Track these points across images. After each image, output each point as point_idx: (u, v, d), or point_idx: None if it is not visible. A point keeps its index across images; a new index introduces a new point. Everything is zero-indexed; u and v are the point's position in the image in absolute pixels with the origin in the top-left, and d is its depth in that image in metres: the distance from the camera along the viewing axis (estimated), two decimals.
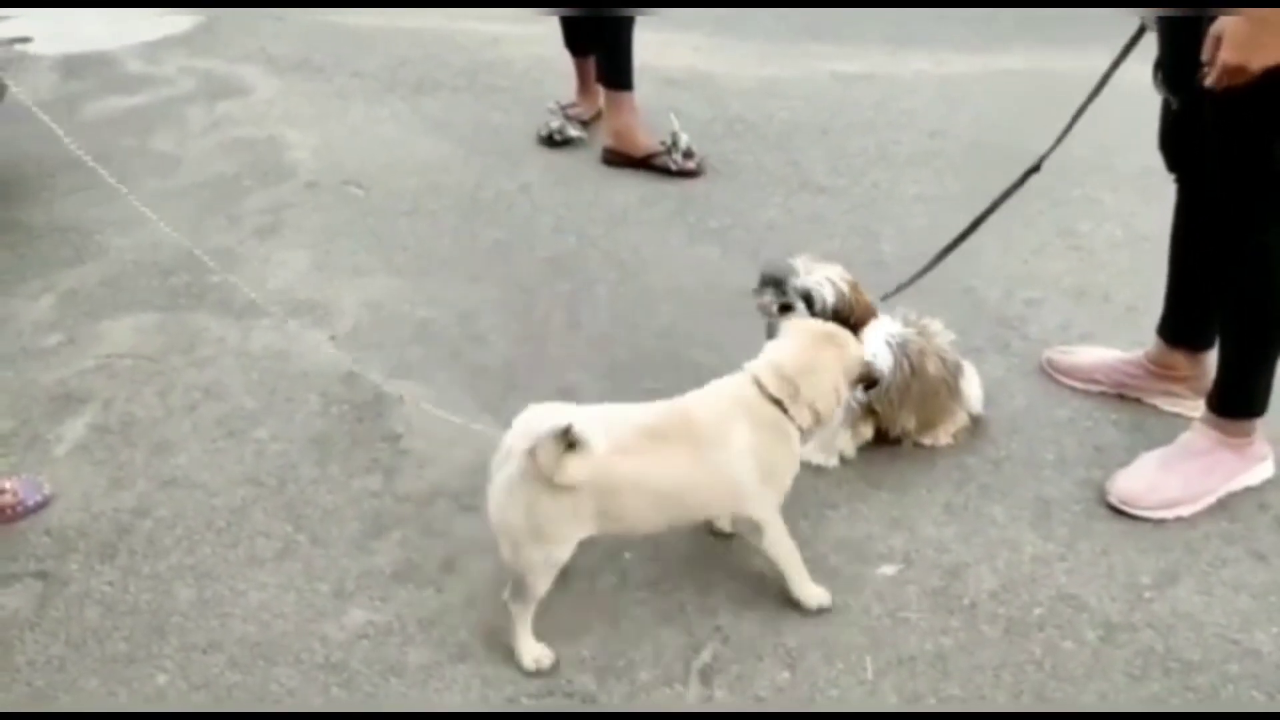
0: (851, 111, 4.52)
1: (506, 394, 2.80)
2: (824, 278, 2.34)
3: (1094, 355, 2.73)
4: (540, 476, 1.80)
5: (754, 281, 2.71)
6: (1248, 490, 2.35)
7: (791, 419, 1.98)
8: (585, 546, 1.99)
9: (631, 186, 3.94)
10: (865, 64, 4.99)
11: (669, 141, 4.03)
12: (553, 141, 4.31)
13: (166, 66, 5.22)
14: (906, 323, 2.48)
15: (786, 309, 2.35)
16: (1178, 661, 1.96)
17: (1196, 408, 2.49)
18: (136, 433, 2.68)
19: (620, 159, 4.11)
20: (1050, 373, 2.75)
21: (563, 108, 4.38)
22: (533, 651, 2.00)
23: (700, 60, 5.05)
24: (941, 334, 2.52)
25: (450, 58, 5.21)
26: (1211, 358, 2.49)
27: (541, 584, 1.95)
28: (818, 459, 2.43)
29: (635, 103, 4.09)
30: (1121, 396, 2.66)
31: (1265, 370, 2.26)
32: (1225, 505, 2.32)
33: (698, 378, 2.79)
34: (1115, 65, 2.27)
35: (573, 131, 4.32)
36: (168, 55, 5.37)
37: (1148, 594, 2.11)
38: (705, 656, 2.02)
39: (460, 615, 2.14)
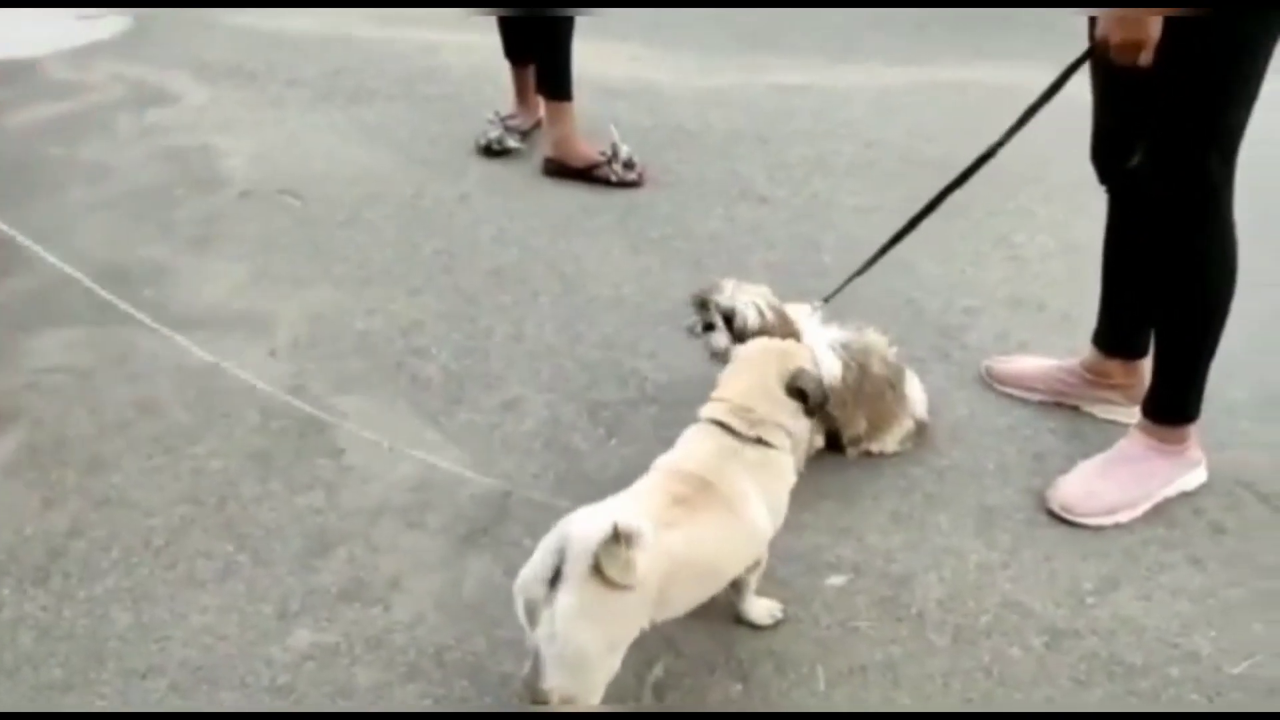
0: (790, 121, 4.55)
1: (450, 407, 2.77)
2: (748, 300, 2.34)
3: (1032, 364, 2.78)
4: (605, 589, 1.64)
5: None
6: (1182, 495, 2.40)
7: (778, 448, 1.96)
8: None
9: (572, 197, 3.93)
10: (802, 75, 5.03)
11: (609, 152, 4.02)
12: (491, 151, 4.28)
13: (95, 73, 5.08)
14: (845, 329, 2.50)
15: (709, 328, 2.36)
16: (1121, 665, 2.00)
17: (1132, 415, 2.55)
18: (68, 451, 2.61)
19: (561, 169, 4.09)
20: (990, 381, 2.79)
21: (502, 118, 4.35)
22: None
23: (639, 70, 5.05)
24: (881, 341, 2.55)
25: (387, 66, 5.15)
26: (1145, 366, 2.55)
27: (596, 699, 1.75)
28: None
29: (575, 113, 4.08)
30: (1059, 404, 2.71)
31: (1198, 378, 2.32)
32: (1162, 511, 2.37)
33: (642, 389, 2.83)
34: (1068, 74, 2.28)
35: (512, 142, 4.29)
36: (95, 61, 5.23)
37: (1090, 600, 2.16)
38: (658, 671, 2.02)
39: (408, 634, 2.11)
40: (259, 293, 3.30)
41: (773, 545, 2.13)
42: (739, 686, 1.98)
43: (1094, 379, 2.65)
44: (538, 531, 2.26)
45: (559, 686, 1.70)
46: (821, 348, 2.38)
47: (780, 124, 4.53)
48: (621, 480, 2.39)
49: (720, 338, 2.36)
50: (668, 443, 2.54)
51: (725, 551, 1.88)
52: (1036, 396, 2.73)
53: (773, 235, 3.65)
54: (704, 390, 2.65)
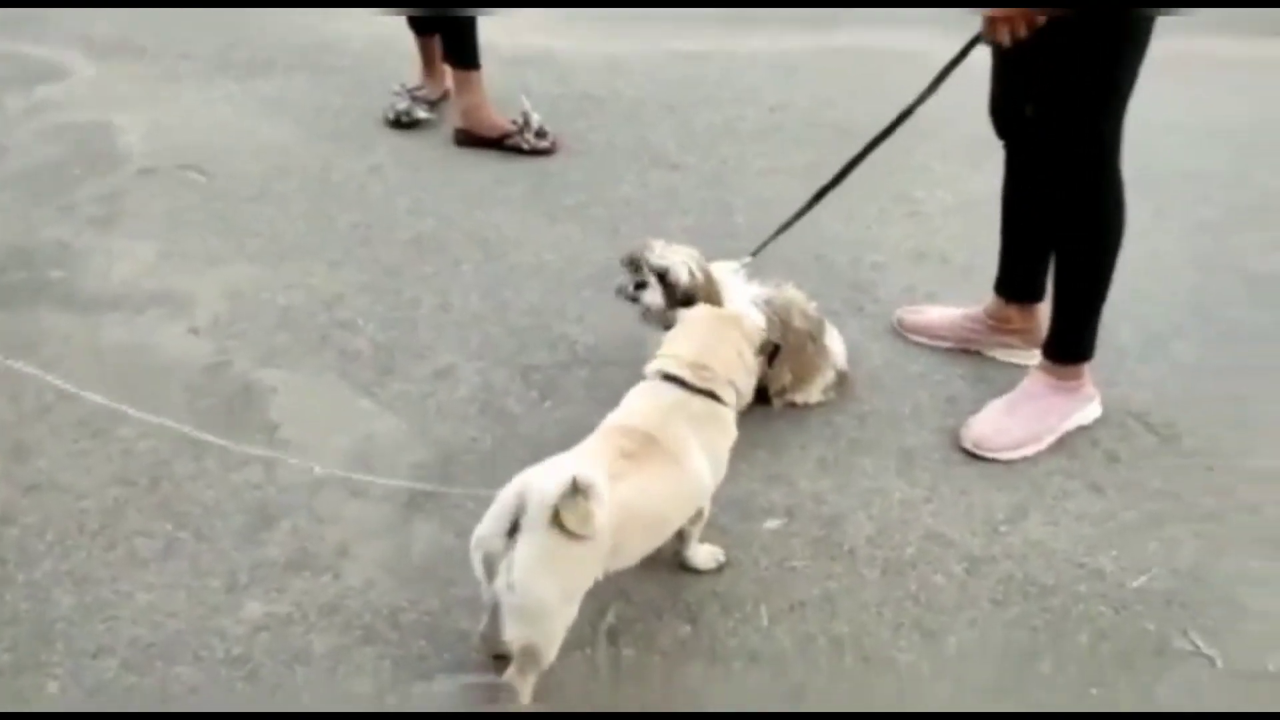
0: (695, 88, 4.63)
1: (382, 378, 2.79)
2: (680, 259, 2.43)
3: (939, 314, 2.93)
4: (566, 539, 1.70)
5: (616, 257, 2.79)
6: (1080, 429, 2.58)
7: (724, 402, 2.05)
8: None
9: (486, 167, 3.95)
10: (704, 42, 5.11)
11: (521, 121, 4.04)
12: (400, 123, 4.26)
13: None
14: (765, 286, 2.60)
15: (641, 286, 2.44)
16: (1034, 586, 2.16)
17: (1031, 357, 2.72)
18: None
19: (472, 139, 4.10)
20: (901, 332, 2.93)
21: (409, 89, 4.33)
22: None
23: (543, 38, 5.06)
24: (800, 295, 2.66)
25: (283, 37, 5.05)
26: (1043, 310, 2.72)
27: (555, 649, 1.82)
28: None
29: (484, 82, 4.09)
30: (965, 350, 2.87)
31: (1093, 319, 2.49)
32: (1063, 444, 2.54)
33: (572, 352, 2.89)
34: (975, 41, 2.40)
35: (421, 113, 4.28)
36: None
37: (1003, 528, 2.31)
38: (610, 618, 2.09)
39: (361, 599, 2.15)
40: (171, 271, 3.25)
41: (723, 492, 2.23)
42: (688, 628, 2.07)
43: (996, 325, 2.81)
44: (481, 496, 2.34)
45: (519, 636, 1.76)
46: (746, 304, 2.47)
47: (686, 91, 4.60)
48: (558, 441, 2.47)
49: (654, 295, 2.43)
50: (600, 403, 2.62)
51: (671, 502, 1.96)
52: (945, 344, 2.88)
53: (686, 200, 3.73)
54: (631, 351, 2.75)
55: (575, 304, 3.12)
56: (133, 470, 2.47)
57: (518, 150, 4.04)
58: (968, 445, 2.51)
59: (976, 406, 2.63)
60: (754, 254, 2.61)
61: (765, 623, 2.09)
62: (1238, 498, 2.38)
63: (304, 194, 3.72)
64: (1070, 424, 2.55)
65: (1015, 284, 2.75)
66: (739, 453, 2.46)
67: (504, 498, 1.75)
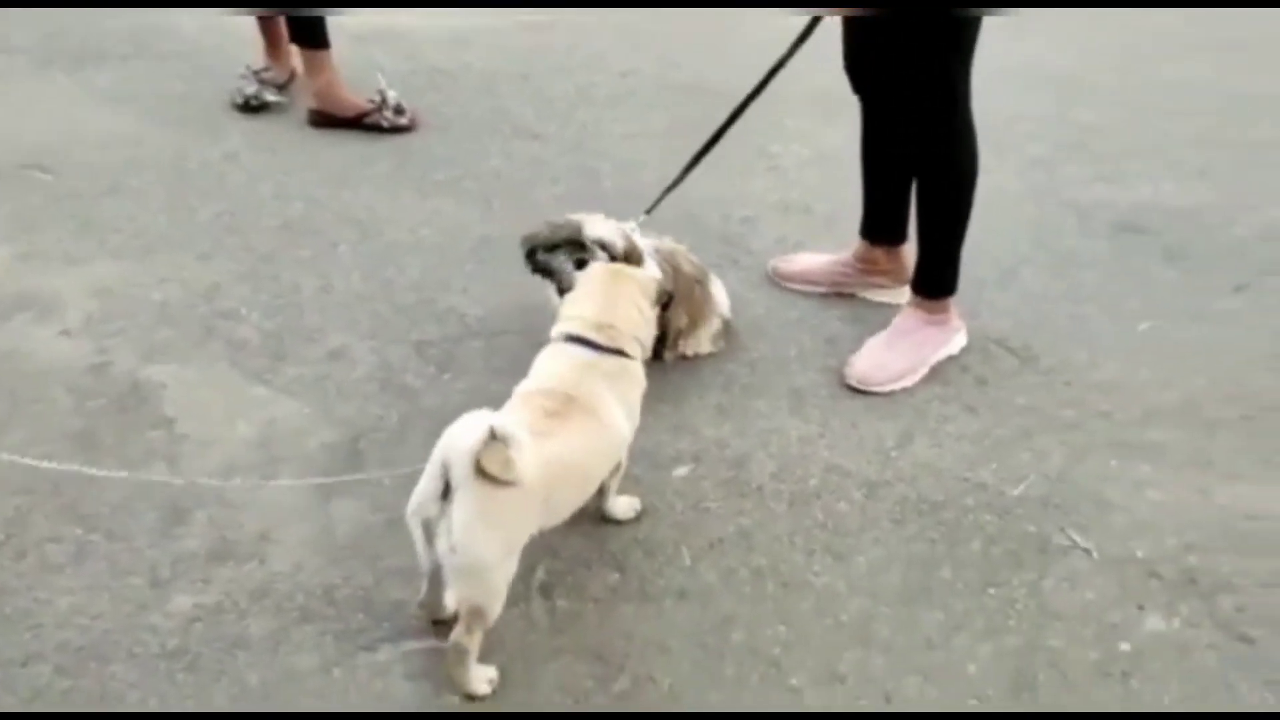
0: (545, 57, 4.69)
1: (275, 364, 2.78)
2: (612, 229, 2.51)
3: (810, 260, 3.10)
4: (494, 490, 1.74)
5: (500, 230, 2.84)
6: (950, 358, 2.79)
7: (632, 357, 2.13)
8: (402, 491, 2.06)
9: (347, 147, 3.91)
10: (547, 13, 5.15)
11: (378, 99, 4.02)
12: (249, 107, 4.17)
13: None
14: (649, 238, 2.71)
15: (583, 263, 2.50)
16: (926, 503, 2.35)
17: (899, 295, 2.92)
18: None
19: (328, 120, 4.05)
20: (777, 280, 3.09)
21: (255, 72, 4.23)
22: (482, 675, 1.92)
23: (387, 14, 5.00)
24: (680, 246, 2.78)
25: (109, 24, 4.84)
26: (907, 251, 2.92)
27: (500, 605, 1.87)
28: None
29: (335, 60, 4.04)
30: (839, 294, 3.05)
31: (955, 256, 2.70)
32: (936, 372, 2.75)
33: (463, 325, 2.93)
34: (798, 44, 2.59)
35: (270, 96, 4.20)
36: None
37: (893, 454, 2.50)
38: (540, 575, 2.17)
39: (291, 581, 2.16)
40: (31, 273, 3.13)
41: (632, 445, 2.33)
42: (616, 575, 2.18)
43: (865, 267, 3.00)
44: (396, 471, 2.38)
45: (466, 596, 1.83)
46: (645, 257, 2.57)
47: (535, 61, 4.65)
48: (463, 412, 2.53)
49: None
50: (498, 372, 2.71)
51: (595, 456, 2.05)
52: (819, 289, 3.06)
53: (553, 168, 3.79)
54: (521, 319, 2.83)
55: (459, 277, 3.15)
56: (30, 478, 2.39)
57: (377, 128, 4.02)
58: (852, 382, 2.68)
59: (855, 345, 2.81)
60: (648, 212, 2.71)
61: (688, 562, 2.20)
62: (1091, 407, 2.63)
63: (160, 185, 3.62)
64: (942, 354, 2.75)
65: (880, 228, 2.94)
66: (643, 407, 2.58)
67: (431, 462, 1.79)
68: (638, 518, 2.30)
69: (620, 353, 2.10)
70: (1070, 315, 2.99)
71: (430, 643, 2.03)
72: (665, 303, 2.24)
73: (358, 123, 4.04)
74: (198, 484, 2.38)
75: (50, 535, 2.26)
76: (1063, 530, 2.27)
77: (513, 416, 1.88)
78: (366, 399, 2.66)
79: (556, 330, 2.16)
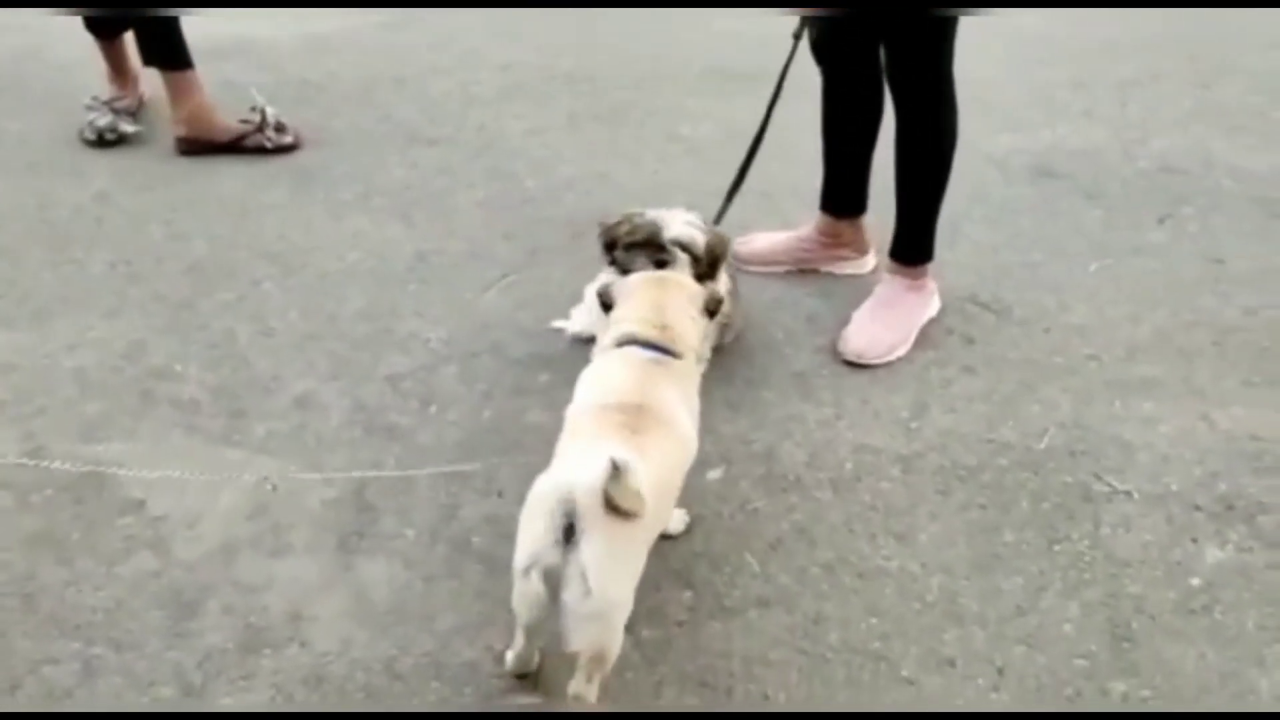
0: (414, 58, 4.46)
1: (237, 420, 2.52)
2: (684, 222, 2.39)
3: (770, 240, 3.06)
4: (623, 526, 1.62)
5: (431, 244, 2.65)
6: (931, 321, 2.81)
7: (689, 360, 2.02)
8: (428, 541, 1.91)
9: (232, 173, 3.60)
10: (400, 13, 4.91)
11: (255, 119, 3.72)
12: (104, 141, 3.79)
13: None
14: None
15: (664, 264, 2.35)
16: (964, 469, 2.35)
17: (864, 265, 2.93)
18: None
19: (201, 147, 3.73)
20: (738, 265, 3.03)
21: (104, 102, 3.84)
22: None
23: (233, 25, 4.64)
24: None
25: None
26: (866, 222, 2.92)
27: (619, 647, 1.75)
28: None
29: (201, 80, 3.71)
30: (802, 271, 3.02)
31: (935, 222, 2.71)
32: (923, 336, 2.76)
33: (430, 351, 2.75)
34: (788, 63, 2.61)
35: (127, 126, 3.82)
36: None
37: (913, 425, 2.49)
38: None
39: (344, 660, 1.96)
40: None
41: None
42: (689, 593, 2.08)
43: (828, 241, 2.98)
44: (414, 517, 2.21)
45: (592, 642, 1.69)
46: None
47: (405, 63, 4.43)
48: (462, 445, 2.39)
49: (684, 269, 2.37)
50: (484, 396, 2.56)
51: (677, 470, 1.94)
52: (782, 268, 3.02)
53: (465, 174, 3.61)
54: (488, 336, 2.70)
55: (407, 300, 2.95)
56: None
57: (260, 150, 3.73)
58: (850, 357, 2.66)
59: (836, 321, 2.79)
60: (716, 221, 2.60)
61: (757, 568, 2.13)
62: (1077, 351, 2.70)
63: (31, 240, 3.23)
64: (925, 319, 2.77)
65: (843, 200, 2.92)
66: None
67: (544, 508, 1.64)
68: (688, 529, 2.21)
69: (680, 355, 2.00)
70: (1023, 264, 3.06)
71: (524, 700, 1.88)
72: (714, 309, 2.14)
73: (235, 147, 3.73)
74: (196, 570, 2.13)
75: (43, 656, 1.97)
76: (1098, 476, 2.32)
77: (608, 441, 1.75)
78: (354, 446, 2.45)
79: (612, 336, 2.04)
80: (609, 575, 1.64)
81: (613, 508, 1.60)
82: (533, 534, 1.65)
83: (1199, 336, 2.74)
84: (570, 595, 1.63)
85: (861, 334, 2.69)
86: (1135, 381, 2.59)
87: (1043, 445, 2.41)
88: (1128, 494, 2.27)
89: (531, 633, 1.81)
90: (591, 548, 1.61)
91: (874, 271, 2.98)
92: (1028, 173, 3.56)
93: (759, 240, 3.06)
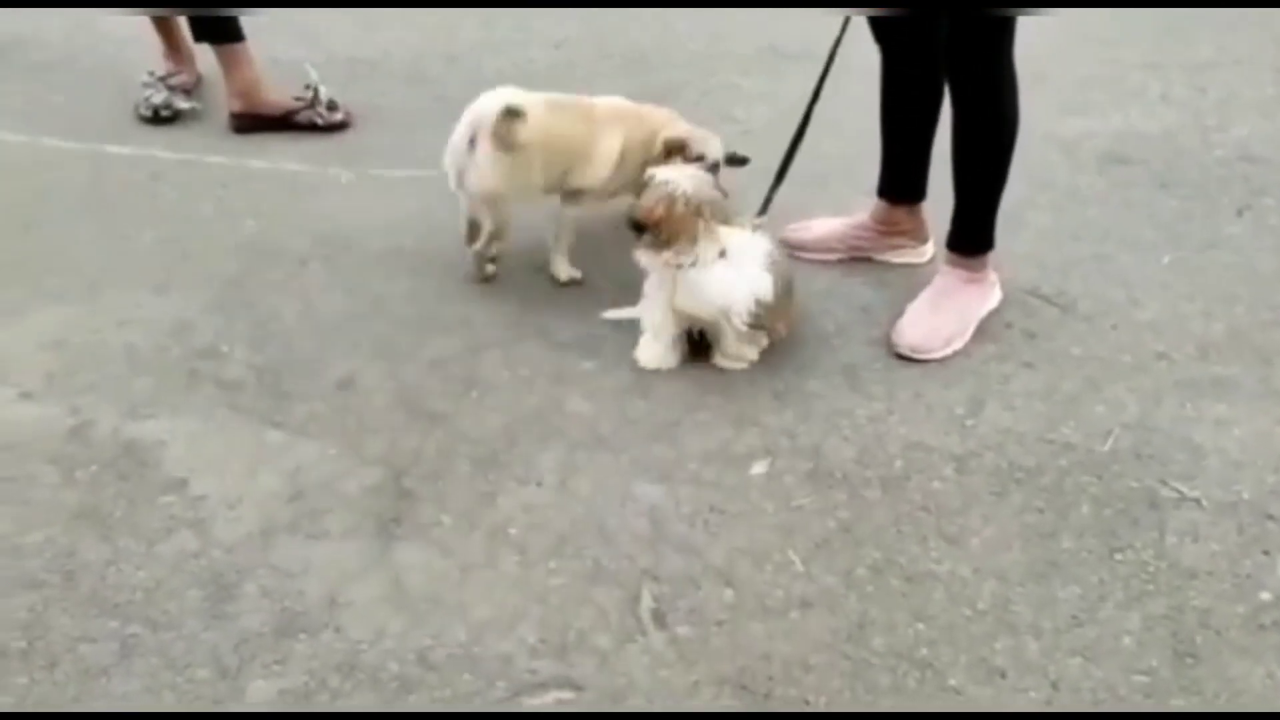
0: (464, 37, 4.42)
1: (281, 404, 2.50)
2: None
3: (823, 226, 2.97)
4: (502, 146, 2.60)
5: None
6: (991, 314, 2.71)
7: None
8: (465, 529, 1.87)
9: (284, 151, 3.59)
10: None
11: (307, 95, 3.70)
12: (160, 118, 3.80)
13: None
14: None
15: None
16: (1021, 471, 2.26)
17: (921, 254, 2.83)
18: None
19: (254, 122, 3.72)
20: (793, 251, 2.95)
21: (160, 78, 3.85)
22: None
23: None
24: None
25: None
26: (925, 210, 2.82)
27: (508, 229, 2.81)
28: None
29: (253, 54, 3.70)
30: (856, 259, 2.93)
31: (996, 210, 2.60)
32: (981, 330, 2.66)
33: (474, 335, 2.72)
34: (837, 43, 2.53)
35: (182, 103, 3.83)
36: None
37: (968, 422, 2.40)
38: (647, 601, 2.00)
39: (378, 648, 1.93)
40: None
41: (686, 449, 2.22)
42: (730, 592, 2.02)
43: (885, 229, 2.89)
44: (451, 506, 2.18)
45: (482, 214, 2.74)
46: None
47: (457, 41, 4.39)
48: (504, 431, 2.35)
49: None
50: (527, 382, 2.53)
51: None
52: (835, 256, 2.93)
53: None
54: (536, 322, 2.67)
55: (452, 283, 2.92)
56: (34, 570, 2.09)
57: (311, 127, 3.72)
58: (905, 351, 2.57)
59: (890, 310, 2.70)
60: (761, 214, 2.59)
61: (800, 568, 2.06)
62: (1146, 349, 2.58)
63: (85, 214, 3.25)
64: (984, 311, 2.67)
65: (901, 186, 2.83)
66: (691, 404, 2.42)
67: (464, 122, 2.67)
68: (748, 479, 2.14)
69: None
70: (1092, 255, 2.94)
71: (555, 695, 1.84)
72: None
73: (286, 123, 3.72)
74: (235, 552, 2.12)
75: (81, 634, 1.97)
76: (1165, 482, 2.21)
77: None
78: (396, 431, 2.42)
79: None
80: (488, 171, 2.63)
81: (496, 135, 2.60)
82: (451, 140, 2.69)
83: (1278, 336, 2.61)
84: (467, 181, 2.68)
85: (917, 327, 2.59)
86: (1208, 382, 2.47)
87: (1106, 447, 2.31)
88: (1196, 501, 2.16)
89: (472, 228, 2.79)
90: (481, 153, 2.62)
91: (931, 261, 2.88)
92: (1097, 159, 3.42)
93: (815, 227, 2.97)
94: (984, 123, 2.49)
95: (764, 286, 2.43)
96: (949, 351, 2.58)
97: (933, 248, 2.89)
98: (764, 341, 2.54)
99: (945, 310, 2.61)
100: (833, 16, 2.59)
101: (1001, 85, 2.44)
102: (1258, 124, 3.63)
